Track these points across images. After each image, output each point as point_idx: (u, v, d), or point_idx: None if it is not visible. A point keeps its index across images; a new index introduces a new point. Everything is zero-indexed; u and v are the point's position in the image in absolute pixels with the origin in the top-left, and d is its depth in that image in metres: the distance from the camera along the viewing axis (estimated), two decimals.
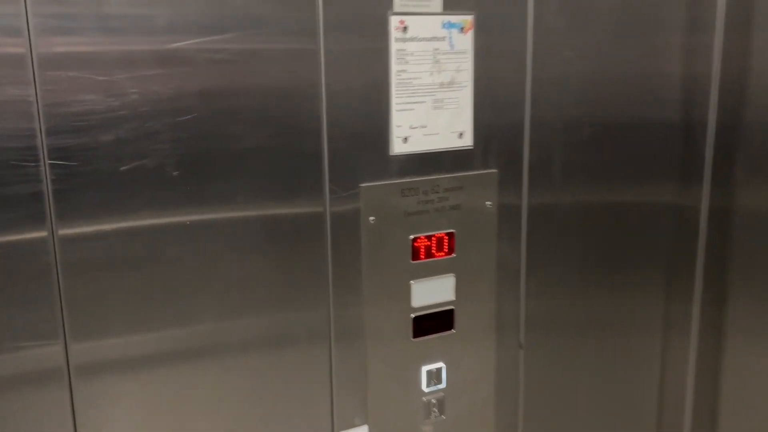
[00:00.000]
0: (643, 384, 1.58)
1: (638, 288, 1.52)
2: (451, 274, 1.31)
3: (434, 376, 1.33)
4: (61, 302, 1.02)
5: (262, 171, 1.11)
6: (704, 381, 1.56)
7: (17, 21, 0.93)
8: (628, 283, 1.51)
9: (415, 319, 1.29)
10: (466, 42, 1.23)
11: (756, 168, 1.45)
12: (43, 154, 0.98)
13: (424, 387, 1.32)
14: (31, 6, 0.94)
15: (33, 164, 0.97)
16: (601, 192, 1.43)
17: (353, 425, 1.27)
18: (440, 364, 1.33)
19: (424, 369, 1.32)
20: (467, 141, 1.28)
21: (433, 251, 1.29)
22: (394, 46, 1.17)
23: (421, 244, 1.27)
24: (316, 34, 1.11)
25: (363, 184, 1.20)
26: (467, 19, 1.22)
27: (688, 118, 1.47)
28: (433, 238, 1.28)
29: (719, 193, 1.48)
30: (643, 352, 1.56)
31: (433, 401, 1.33)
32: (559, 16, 1.30)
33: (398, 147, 1.22)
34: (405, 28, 1.18)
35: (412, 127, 1.22)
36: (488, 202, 1.32)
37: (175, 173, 1.05)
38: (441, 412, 1.34)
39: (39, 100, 0.96)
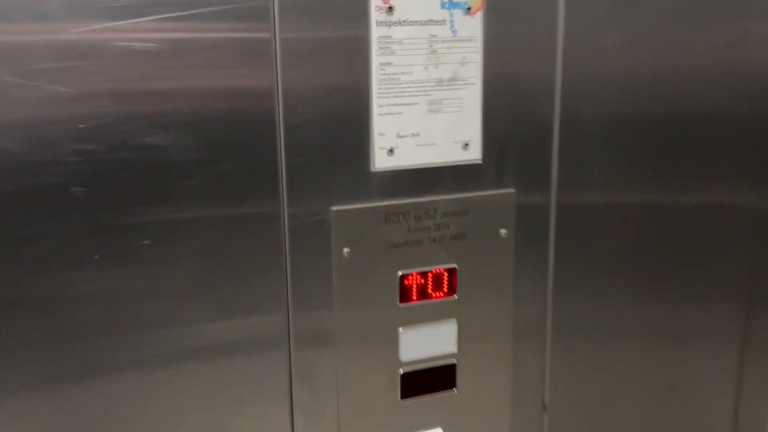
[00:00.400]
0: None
1: (712, 323, 1.21)
2: (452, 320, 1.04)
3: None
4: None
5: (194, 191, 0.87)
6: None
7: None
8: (697, 319, 1.20)
9: (405, 375, 1.03)
10: (473, 26, 0.95)
11: None
12: None
13: None
14: None
15: None
16: (658, 211, 1.13)
17: None
18: (437, 431, 1.06)
19: None
20: (474, 153, 1.00)
21: (429, 291, 1.02)
22: (376, 32, 0.91)
23: (413, 282, 1.01)
24: (268, 16, 0.85)
25: (335, 208, 0.94)
26: None
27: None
28: (428, 275, 1.01)
29: None
30: (714, 392, 1.25)
31: None
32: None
33: (381, 161, 0.95)
34: (390, 9, 0.91)
35: (400, 136, 0.95)
36: (503, 230, 1.04)
37: (79, 195, 0.82)
38: None
39: None
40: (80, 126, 0.81)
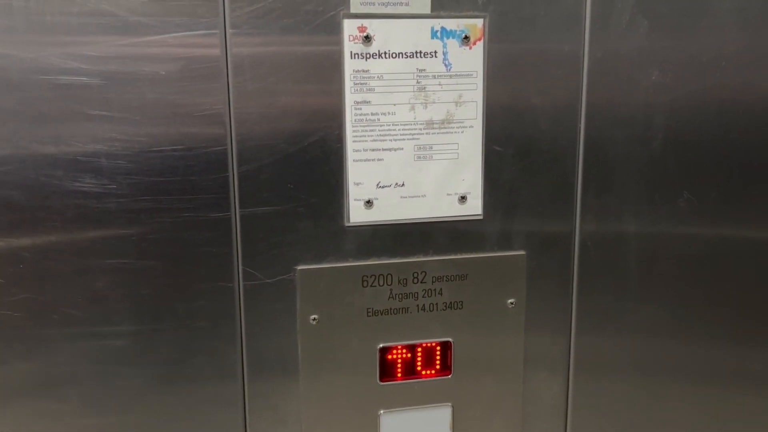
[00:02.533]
0: None
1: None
2: (447, 404, 0.86)
3: None
4: None
5: (130, 246, 0.74)
6: None
7: None
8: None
9: None
10: (472, 59, 0.79)
11: None
12: None
13: None
14: None
15: None
16: (712, 273, 0.90)
17: None
18: None
19: None
20: (474, 207, 0.82)
21: (418, 368, 0.84)
22: (350, 65, 0.76)
23: (397, 356, 0.83)
24: (219, 42, 0.73)
25: (300, 267, 0.79)
26: (474, 24, 0.78)
27: None
28: (416, 349, 0.84)
29: None
30: None
31: None
32: (638, 15, 0.81)
33: (357, 214, 0.79)
34: (368, 38, 0.76)
35: (380, 186, 0.79)
36: (510, 300, 0.85)
37: None
38: None
39: None
40: None
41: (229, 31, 0.72)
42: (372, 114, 0.78)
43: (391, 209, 0.80)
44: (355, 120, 0.77)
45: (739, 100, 0.86)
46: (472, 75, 0.79)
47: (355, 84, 0.77)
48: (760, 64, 0.85)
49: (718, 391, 0.94)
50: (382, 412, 0.84)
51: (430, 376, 0.85)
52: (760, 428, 0.97)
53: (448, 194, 0.81)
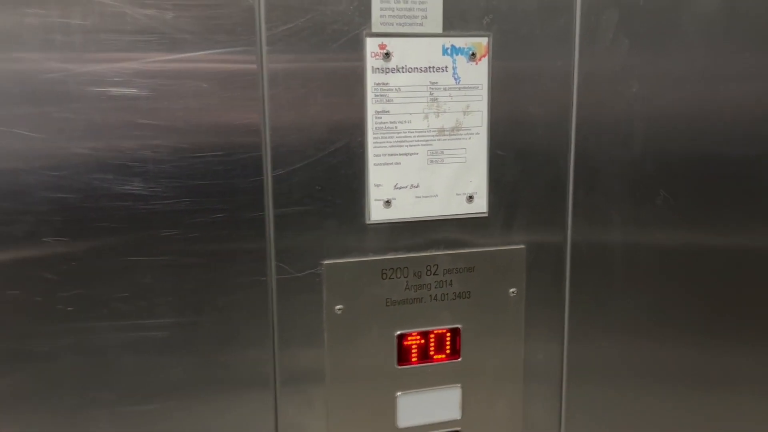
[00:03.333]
0: None
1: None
2: (457, 385, 0.94)
3: None
4: None
5: (177, 242, 0.80)
6: None
7: None
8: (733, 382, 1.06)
9: None
10: (478, 73, 0.87)
11: None
12: None
13: None
14: None
15: None
16: (690, 269, 1.01)
17: None
18: None
19: None
20: (480, 206, 0.91)
21: (430, 353, 0.92)
22: (372, 79, 0.84)
23: (413, 342, 0.91)
24: (256, 58, 0.80)
25: (326, 262, 0.86)
26: (480, 42, 0.87)
27: None
28: (429, 336, 0.92)
29: None
30: None
31: None
32: (620, 34, 0.91)
33: (378, 213, 0.87)
34: (387, 55, 0.84)
35: (397, 187, 0.87)
36: (512, 290, 0.94)
37: (48, 240, 0.77)
38: None
39: None
40: (55, 174, 0.76)
41: (264, 48, 0.80)
42: (391, 122, 0.86)
43: (407, 208, 0.88)
44: (376, 128, 0.85)
45: (707, 110, 0.97)
46: (478, 87, 0.88)
47: (375, 95, 0.85)
48: (721, 78, 0.96)
49: (711, 393, 1.05)
50: (399, 394, 0.92)
51: (442, 360, 0.93)
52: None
53: (457, 194, 0.90)
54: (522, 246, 0.93)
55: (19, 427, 0.80)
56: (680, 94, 0.95)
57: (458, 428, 0.95)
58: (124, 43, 0.75)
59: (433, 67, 0.86)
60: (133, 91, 0.77)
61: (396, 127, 0.86)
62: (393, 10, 0.83)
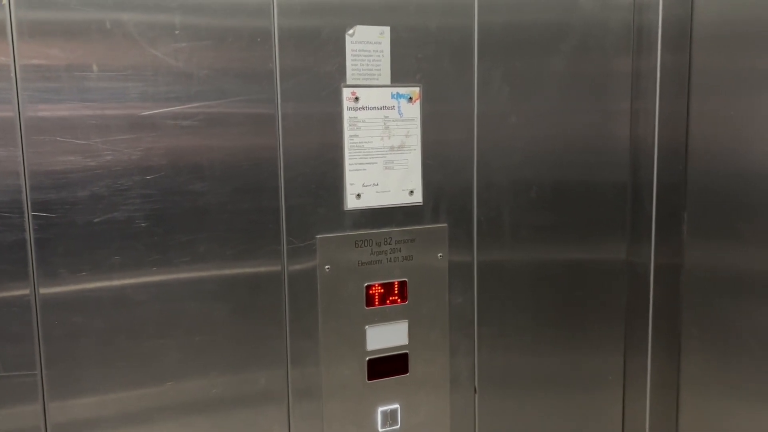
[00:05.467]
0: (603, 426, 1.58)
1: (593, 339, 1.55)
2: (405, 320, 1.36)
3: (389, 417, 1.36)
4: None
5: (224, 224, 1.19)
6: None
7: (8, 93, 1.05)
8: (580, 331, 1.53)
9: (370, 362, 1.33)
10: (414, 110, 1.32)
11: (699, 227, 1.48)
12: (27, 207, 1.07)
13: (379, 427, 1.35)
14: (21, 82, 1.05)
15: (18, 215, 1.07)
16: (552, 249, 1.48)
17: None
18: (395, 406, 1.36)
19: (380, 410, 1.35)
20: (417, 198, 1.35)
21: (387, 298, 1.34)
22: (347, 114, 1.26)
23: (375, 291, 1.33)
24: (274, 102, 1.20)
25: (319, 236, 1.27)
26: (414, 90, 1.31)
27: (635, 179, 1.53)
28: (387, 286, 1.34)
29: (666, 251, 1.53)
30: (600, 397, 1.57)
31: None
32: (503, 86, 1.38)
33: (352, 203, 1.29)
34: (357, 99, 1.27)
35: (364, 185, 1.30)
36: (439, 254, 1.37)
37: (143, 225, 1.13)
38: None
39: (25, 160, 1.06)
40: (146, 177, 1.13)
41: (279, 95, 1.20)
42: (359, 143, 1.28)
43: (371, 200, 1.31)
44: (350, 146, 1.27)
45: (560, 139, 1.46)
46: (414, 120, 1.32)
47: (349, 125, 1.27)
48: (575, 116, 1.45)
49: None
50: (367, 327, 1.33)
51: (395, 303, 1.35)
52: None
53: (402, 190, 1.33)
54: (445, 225, 1.37)
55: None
56: (543, 127, 1.43)
57: (406, 351, 1.36)
58: (192, 94, 1.14)
59: (386, 107, 1.30)
60: (195, 123, 1.15)
61: (363, 146, 1.29)
62: (360, 70, 1.26)
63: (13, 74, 1.04)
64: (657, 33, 1.47)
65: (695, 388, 1.52)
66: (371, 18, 1.25)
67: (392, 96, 1.30)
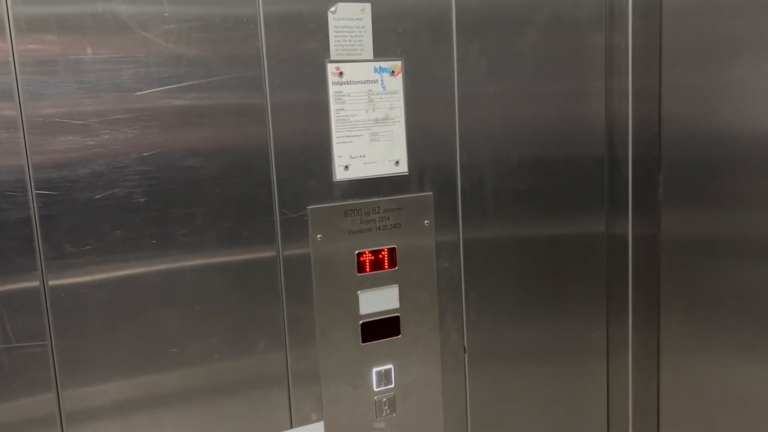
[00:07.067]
0: (587, 392, 1.65)
1: (576, 307, 1.61)
2: (395, 285, 1.41)
3: (384, 377, 1.42)
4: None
5: (218, 197, 1.24)
6: (644, 400, 1.64)
7: (8, 78, 1.09)
8: (564, 295, 1.60)
9: (363, 325, 1.39)
10: (396, 84, 1.37)
11: (674, 194, 1.54)
12: (31, 185, 1.12)
13: (374, 387, 1.41)
14: (20, 67, 1.09)
15: (22, 194, 1.11)
16: (533, 217, 1.54)
17: (310, 421, 1.37)
18: (389, 366, 1.42)
19: (374, 370, 1.41)
20: (403, 168, 1.40)
21: (377, 264, 1.40)
22: (332, 89, 1.31)
23: (366, 258, 1.38)
24: (262, 80, 1.25)
25: (310, 207, 1.32)
26: (396, 64, 1.36)
27: (611, 152, 1.59)
28: (377, 253, 1.39)
29: (644, 220, 1.59)
30: (585, 355, 1.64)
31: (384, 400, 1.42)
32: (481, 60, 1.43)
33: (340, 174, 1.34)
34: (341, 74, 1.32)
35: (352, 157, 1.35)
36: (426, 221, 1.43)
37: (142, 200, 1.18)
38: (392, 410, 1.43)
39: (27, 141, 1.11)
40: (143, 155, 1.18)
41: (266, 71, 1.25)
42: (345, 116, 1.33)
43: (359, 171, 1.36)
44: (336, 119, 1.32)
45: (544, 113, 1.51)
46: (397, 92, 1.37)
47: (335, 99, 1.32)
48: (552, 87, 1.51)
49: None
50: (359, 292, 1.38)
51: (385, 269, 1.40)
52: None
53: (389, 161, 1.38)
54: (430, 193, 1.43)
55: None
56: (522, 99, 1.49)
57: (398, 314, 1.42)
58: (183, 74, 1.19)
59: (369, 80, 1.34)
60: (187, 102, 1.20)
61: (349, 119, 1.34)
62: (343, 46, 1.31)
63: (11, 60, 1.08)
64: (628, 7, 1.52)
65: (675, 349, 1.58)
66: None
67: (375, 70, 1.35)
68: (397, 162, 1.39)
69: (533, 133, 1.51)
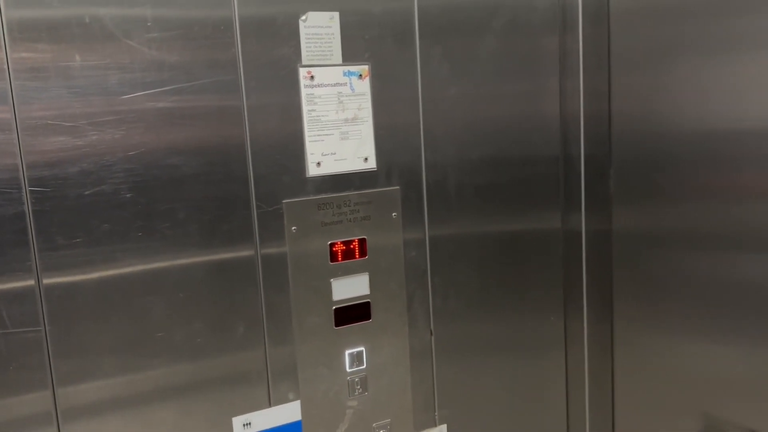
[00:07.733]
0: (547, 371, 1.77)
1: (534, 294, 1.73)
2: (366, 273, 1.52)
3: (356, 359, 1.53)
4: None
5: (199, 193, 1.33)
6: (600, 390, 1.76)
7: (2, 84, 1.18)
8: (523, 284, 1.72)
9: (336, 310, 1.50)
10: (364, 86, 1.47)
11: (624, 190, 1.66)
12: (25, 183, 1.20)
13: (347, 368, 1.52)
14: (13, 73, 1.18)
15: (16, 191, 1.20)
16: (494, 211, 1.65)
17: (288, 400, 1.47)
18: (361, 348, 1.53)
19: (347, 352, 1.52)
20: (372, 164, 1.50)
21: (349, 254, 1.50)
22: (304, 91, 1.41)
23: (338, 248, 1.49)
24: (238, 83, 1.35)
25: (285, 201, 1.42)
26: (364, 68, 1.47)
27: (565, 152, 1.70)
28: (348, 244, 1.50)
29: (596, 216, 1.71)
30: (543, 348, 1.76)
31: (356, 380, 1.53)
32: (443, 63, 1.54)
33: (313, 170, 1.44)
34: (312, 77, 1.42)
35: (323, 154, 1.45)
36: (394, 214, 1.54)
37: (128, 195, 1.28)
38: (364, 389, 1.54)
39: (20, 142, 1.20)
40: (128, 153, 1.27)
41: (243, 75, 1.35)
42: (317, 116, 1.43)
43: (330, 167, 1.46)
44: (308, 119, 1.43)
45: (502, 113, 1.62)
46: (365, 95, 1.48)
47: (307, 101, 1.42)
48: (509, 89, 1.62)
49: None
50: (332, 280, 1.49)
51: (356, 258, 1.51)
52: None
53: (358, 157, 1.49)
54: (397, 187, 1.54)
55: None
56: (481, 100, 1.60)
57: (368, 300, 1.53)
58: (165, 79, 1.28)
59: (339, 83, 1.45)
60: (169, 104, 1.29)
61: (320, 119, 1.44)
62: (314, 52, 1.41)
63: (6, 67, 1.17)
64: (578, 12, 1.64)
65: (628, 334, 1.71)
66: (322, 4, 1.40)
67: (344, 74, 1.45)
68: (366, 159, 1.50)
69: (493, 131, 1.62)
